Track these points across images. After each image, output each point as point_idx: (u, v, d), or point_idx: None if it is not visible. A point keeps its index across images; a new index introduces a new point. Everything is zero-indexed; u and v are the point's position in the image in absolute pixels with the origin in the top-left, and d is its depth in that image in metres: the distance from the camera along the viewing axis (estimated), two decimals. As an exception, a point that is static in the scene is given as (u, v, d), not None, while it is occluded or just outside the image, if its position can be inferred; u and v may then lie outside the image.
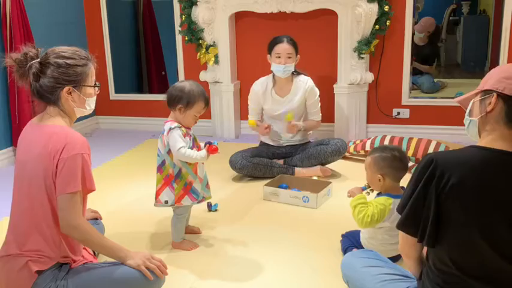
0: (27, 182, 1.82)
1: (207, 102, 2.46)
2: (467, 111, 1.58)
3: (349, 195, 2.34)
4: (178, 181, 2.43)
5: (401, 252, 1.65)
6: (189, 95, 2.39)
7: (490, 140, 1.48)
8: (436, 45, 5.95)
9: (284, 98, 3.54)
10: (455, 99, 1.68)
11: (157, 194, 2.46)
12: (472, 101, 1.56)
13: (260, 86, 3.57)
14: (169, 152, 2.41)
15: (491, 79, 1.49)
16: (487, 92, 1.50)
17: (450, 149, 3.40)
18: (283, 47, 3.42)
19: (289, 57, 3.42)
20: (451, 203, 1.42)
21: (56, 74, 1.82)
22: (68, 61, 1.83)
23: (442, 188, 1.42)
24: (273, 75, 3.54)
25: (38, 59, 1.83)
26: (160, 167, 2.44)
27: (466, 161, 1.44)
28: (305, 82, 3.55)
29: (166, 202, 2.44)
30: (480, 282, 1.44)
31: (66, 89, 1.84)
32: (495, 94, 1.46)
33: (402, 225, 1.54)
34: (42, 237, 1.79)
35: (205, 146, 2.42)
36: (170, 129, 2.39)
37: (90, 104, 1.94)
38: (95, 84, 1.94)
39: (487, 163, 1.43)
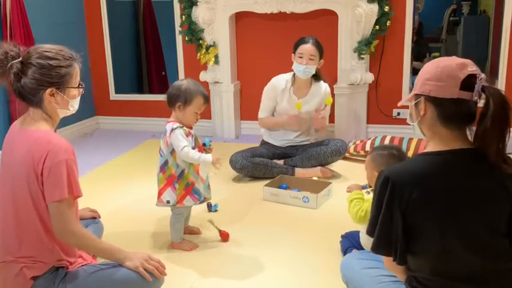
0: (10, 186, 1.79)
1: (206, 98, 2.46)
2: (408, 115, 1.57)
3: (348, 190, 2.35)
4: (180, 181, 2.44)
5: (387, 268, 1.63)
6: (186, 92, 2.41)
7: (434, 145, 1.47)
8: (422, 41, 5.95)
9: (300, 100, 3.53)
10: (401, 102, 1.67)
11: (160, 193, 2.46)
12: (409, 105, 1.55)
13: (281, 82, 3.53)
14: (172, 152, 2.42)
15: (418, 82, 1.48)
16: (417, 96, 1.49)
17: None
18: (307, 48, 3.40)
19: (312, 59, 3.40)
20: (419, 216, 1.40)
21: (38, 75, 1.74)
22: (51, 62, 1.74)
23: (406, 205, 1.40)
24: (294, 75, 3.52)
25: (20, 59, 1.74)
26: (163, 167, 2.45)
27: (421, 171, 1.42)
28: (323, 88, 3.56)
29: (168, 202, 2.45)
30: (466, 284, 1.42)
31: (48, 90, 1.76)
32: (423, 98, 1.46)
33: (376, 249, 1.51)
34: (32, 243, 1.77)
35: (204, 145, 2.45)
36: (172, 129, 2.39)
37: (74, 105, 1.86)
38: (79, 85, 1.86)
39: (441, 167, 1.42)
